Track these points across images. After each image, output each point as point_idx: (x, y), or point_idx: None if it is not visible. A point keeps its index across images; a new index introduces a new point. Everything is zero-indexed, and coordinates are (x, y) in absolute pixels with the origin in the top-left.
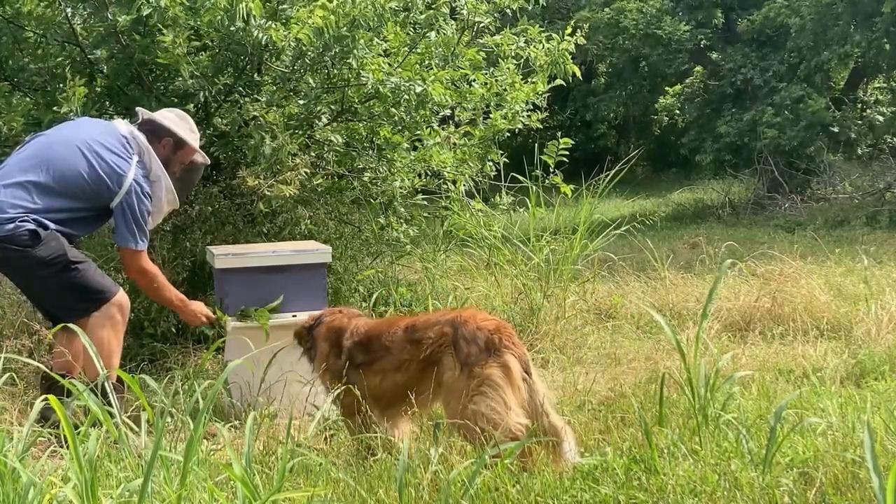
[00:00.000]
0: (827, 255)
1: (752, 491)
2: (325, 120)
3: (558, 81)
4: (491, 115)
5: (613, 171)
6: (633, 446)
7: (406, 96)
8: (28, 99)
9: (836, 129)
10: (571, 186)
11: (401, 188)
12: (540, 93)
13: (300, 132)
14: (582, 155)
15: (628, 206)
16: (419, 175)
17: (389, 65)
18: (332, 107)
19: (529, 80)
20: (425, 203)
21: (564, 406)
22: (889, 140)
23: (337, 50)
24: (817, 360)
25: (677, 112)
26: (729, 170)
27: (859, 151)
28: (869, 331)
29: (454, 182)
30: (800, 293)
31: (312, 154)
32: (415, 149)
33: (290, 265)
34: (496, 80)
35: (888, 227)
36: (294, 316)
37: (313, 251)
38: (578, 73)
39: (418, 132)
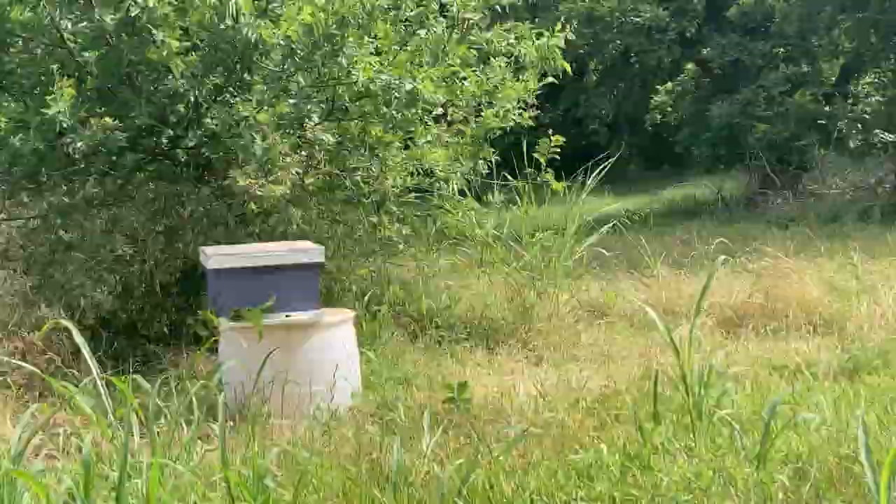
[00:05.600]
0: (819, 251)
1: (746, 487)
2: (315, 119)
3: (549, 79)
4: (483, 113)
5: (602, 168)
6: (628, 443)
7: (396, 94)
8: (15, 104)
9: (826, 124)
10: (564, 184)
11: (393, 187)
12: (531, 90)
13: (291, 131)
14: (574, 152)
15: (621, 204)
16: (411, 174)
17: (381, 63)
18: (323, 106)
19: (520, 77)
20: (418, 202)
21: (558, 403)
22: (880, 135)
23: (327, 48)
24: (810, 355)
25: (670, 110)
26: (721, 166)
27: (851, 146)
28: (861, 325)
29: (446, 181)
30: (793, 289)
31: (303, 153)
32: (406, 147)
33: (283, 265)
34: (487, 78)
35: (881, 221)
36: (287, 316)
37: (306, 251)
38: (569, 69)
39: (410, 130)
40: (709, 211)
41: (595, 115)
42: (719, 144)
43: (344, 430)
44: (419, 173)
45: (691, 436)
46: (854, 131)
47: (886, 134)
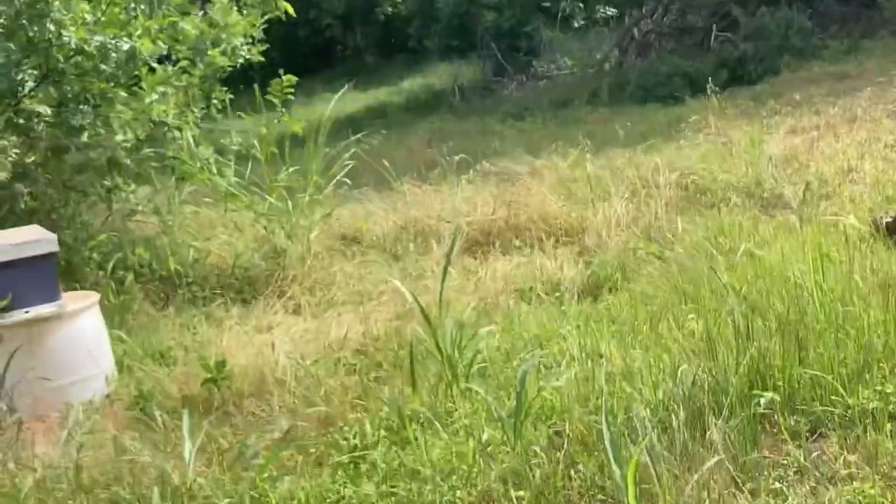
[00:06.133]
0: (554, 148)
1: (506, 463)
2: (30, 85)
3: (276, 13)
4: (209, 53)
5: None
6: (390, 415)
7: (114, 54)
8: None
9: (550, 5)
10: (302, 123)
11: (124, 142)
12: (257, 25)
13: (3, 104)
14: (310, 49)
15: (364, 98)
16: (140, 124)
17: (91, 14)
18: (35, 71)
19: (244, 13)
20: (152, 155)
21: (321, 367)
22: (601, 10)
23: (33, 12)
24: (554, 272)
25: (399, 1)
26: (455, 55)
27: (575, 25)
28: (599, 233)
29: (180, 129)
30: (533, 200)
31: (21, 123)
32: (133, 95)
33: (16, 260)
34: (210, 21)
35: (609, 102)
36: (27, 312)
37: (38, 241)
38: (291, 10)
39: (136, 78)
40: (447, 103)
41: (327, 9)
42: (451, 34)
43: (100, 436)
44: (151, 125)
45: (450, 394)
46: (577, 10)
47: (608, 8)
